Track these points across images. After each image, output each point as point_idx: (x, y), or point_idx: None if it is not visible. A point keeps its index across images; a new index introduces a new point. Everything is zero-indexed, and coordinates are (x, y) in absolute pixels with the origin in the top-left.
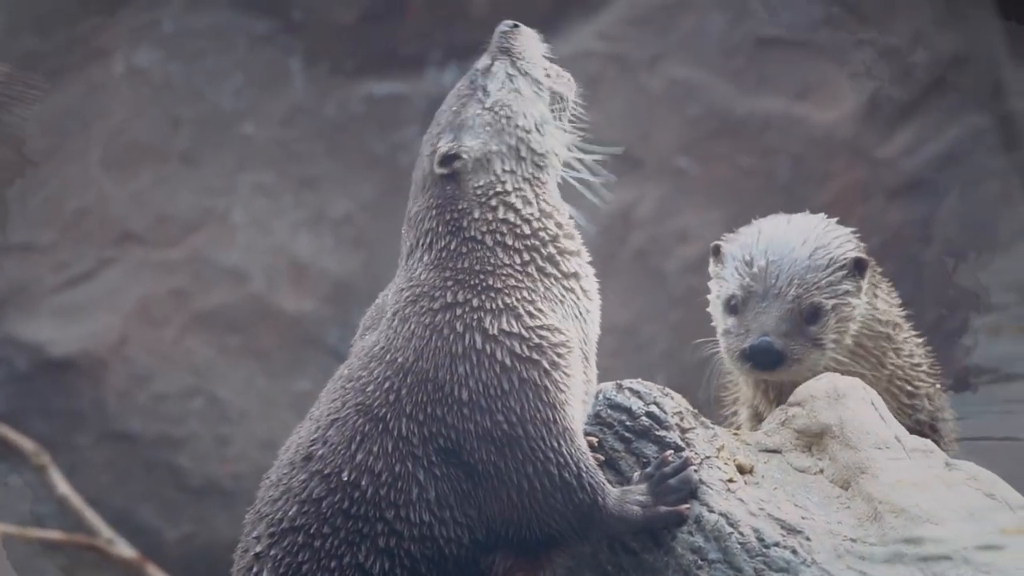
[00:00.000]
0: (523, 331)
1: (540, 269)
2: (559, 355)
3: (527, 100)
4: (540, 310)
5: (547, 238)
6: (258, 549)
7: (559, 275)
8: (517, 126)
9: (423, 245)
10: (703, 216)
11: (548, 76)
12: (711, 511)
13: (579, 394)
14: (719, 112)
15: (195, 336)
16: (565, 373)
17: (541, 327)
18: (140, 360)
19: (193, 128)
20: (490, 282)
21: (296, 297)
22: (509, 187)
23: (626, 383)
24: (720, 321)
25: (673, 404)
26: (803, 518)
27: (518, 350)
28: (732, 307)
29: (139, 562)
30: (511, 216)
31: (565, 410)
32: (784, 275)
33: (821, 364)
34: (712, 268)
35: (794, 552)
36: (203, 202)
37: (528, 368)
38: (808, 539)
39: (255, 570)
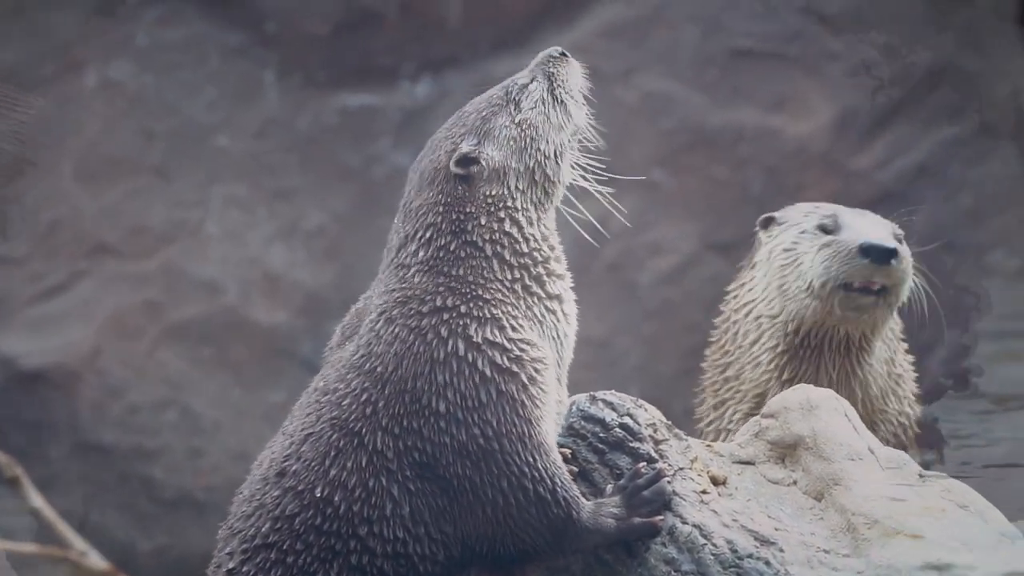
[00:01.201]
0: (505, 342)
1: (526, 288)
2: (536, 370)
3: (553, 127)
4: (521, 326)
5: (539, 259)
6: (231, 565)
7: (543, 295)
8: (539, 149)
9: (420, 240)
10: (677, 228)
11: (578, 107)
12: (684, 522)
13: (553, 412)
14: (693, 124)
15: (168, 348)
16: (541, 389)
17: (522, 340)
18: (113, 372)
19: (167, 141)
20: (479, 292)
21: (269, 309)
22: (518, 204)
23: (599, 395)
24: (812, 246)
25: (647, 416)
26: (776, 529)
27: (498, 360)
28: (826, 229)
29: (112, 574)
30: (514, 231)
31: (540, 425)
32: (863, 211)
33: (904, 293)
34: (763, 236)
35: (767, 563)
36: (176, 214)
37: (507, 380)
38: (781, 550)
39: None
